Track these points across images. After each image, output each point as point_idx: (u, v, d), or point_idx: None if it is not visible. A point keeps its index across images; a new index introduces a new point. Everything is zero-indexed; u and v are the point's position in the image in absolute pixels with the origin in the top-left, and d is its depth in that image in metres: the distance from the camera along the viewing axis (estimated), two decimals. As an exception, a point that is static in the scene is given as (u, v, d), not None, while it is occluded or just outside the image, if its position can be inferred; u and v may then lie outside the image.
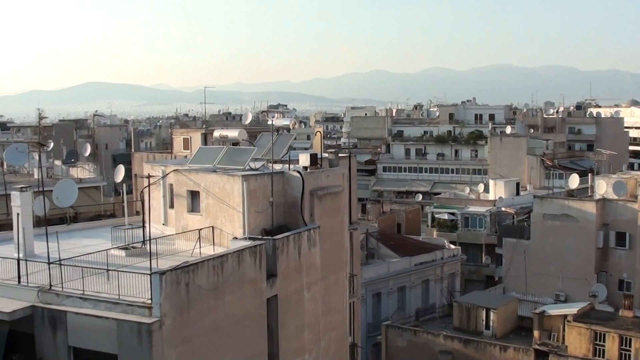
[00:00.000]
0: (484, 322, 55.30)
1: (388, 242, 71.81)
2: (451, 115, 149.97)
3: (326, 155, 37.53)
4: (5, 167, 55.60)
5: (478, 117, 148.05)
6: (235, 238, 29.40)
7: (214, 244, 30.63)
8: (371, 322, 64.01)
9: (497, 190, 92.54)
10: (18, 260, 26.79)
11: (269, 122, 39.06)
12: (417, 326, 58.35)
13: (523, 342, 52.56)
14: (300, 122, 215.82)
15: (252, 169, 32.46)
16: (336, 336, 34.58)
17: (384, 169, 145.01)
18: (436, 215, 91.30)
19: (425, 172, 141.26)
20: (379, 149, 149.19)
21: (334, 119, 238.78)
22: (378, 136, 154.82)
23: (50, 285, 25.32)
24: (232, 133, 37.08)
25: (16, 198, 30.56)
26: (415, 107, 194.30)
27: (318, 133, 42.12)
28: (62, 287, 25.09)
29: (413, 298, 68.82)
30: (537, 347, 50.72)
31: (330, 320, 33.60)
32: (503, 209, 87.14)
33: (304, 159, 33.97)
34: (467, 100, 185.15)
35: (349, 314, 40.06)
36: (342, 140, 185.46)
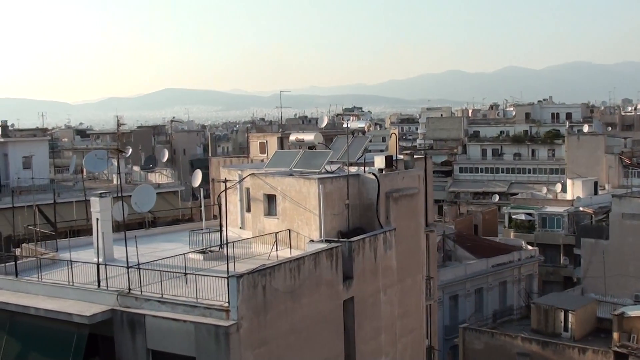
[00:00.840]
0: (563, 324, 54.38)
1: (465, 244, 71.19)
2: (527, 115, 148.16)
3: (402, 157, 37.36)
4: (84, 173, 56.70)
5: (555, 116, 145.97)
6: (312, 241, 29.41)
7: (290, 247, 30.69)
8: (448, 325, 63.48)
9: (574, 189, 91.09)
10: (98, 264, 27.24)
11: (345, 125, 38.95)
12: (495, 328, 57.70)
13: (602, 344, 51.48)
14: (376, 124, 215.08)
15: (328, 172, 32.47)
16: (413, 339, 34.34)
17: (460, 170, 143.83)
18: (513, 216, 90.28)
19: (502, 172, 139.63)
20: (455, 150, 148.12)
21: (409, 120, 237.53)
22: (454, 137, 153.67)
23: (129, 289, 25.66)
24: (308, 136, 37.11)
25: (96, 204, 31.09)
26: (491, 106, 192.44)
27: (393, 135, 41.96)
28: (141, 291, 25.38)
29: (490, 300, 68.06)
30: (616, 349, 49.63)
31: (406, 323, 33.38)
32: (581, 208, 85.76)
33: (380, 161, 33.84)
34: (544, 99, 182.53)
35: (426, 316, 39.76)
36: (418, 141, 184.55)
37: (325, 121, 64.49)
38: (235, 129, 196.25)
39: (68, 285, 27.42)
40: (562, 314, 54.48)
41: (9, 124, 69.19)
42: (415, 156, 40.85)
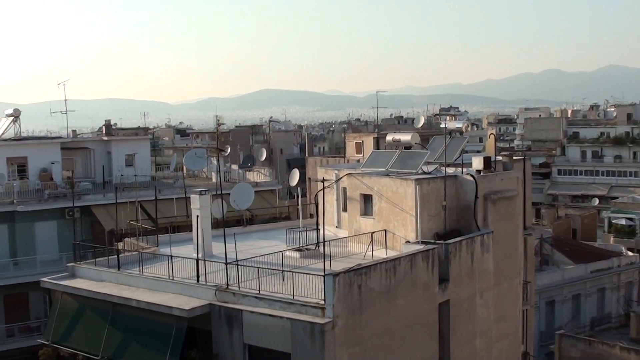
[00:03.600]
0: (664, 334, 52.92)
1: (563, 248, 69.89)
2: (629, 116, 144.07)
3: (500, 158, 36.94)
4: (185, 171, 57.77)
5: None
6: (408, 242, 29.41)
7: (386, 248, 30.75)
8: (544, 331, 62.41)
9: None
10: (197, 260, 27.84)
11: (442, 125, 38.78)
12: (592, 336, 56.40)
13: None
14: (473, 124, 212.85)
15: (424, 173, 32.39)
16: (508, 344, 33.94)
17: (559, 172, 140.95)
18: (613, 221, 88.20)
19: (602, 175, 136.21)
20: (553, 152, 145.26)
21: (507, 120, 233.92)
22: (553, 138, 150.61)
23: (228, 285, 26.15)
24: (405, 136, 37.10)
25: (196, 201, 31.74)
26: (592, 107, 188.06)
27: (491, 135, 41.47)
28: (239, 287, 25.85)
29: (588, 307, 66.61)
30: None
31: (502, 328, 33.01)
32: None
33: (477, 162, 33.56)
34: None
35: (522, 321, 39.22)
36: (516, 142, 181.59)
37: (422, 121, 64.21)
38: (331, 129, 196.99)
39: (168, 279, 28.14)
40: (663, 323, 53.06)
41: (112, 123, 70.83)
42: (513, 157, 40.33)
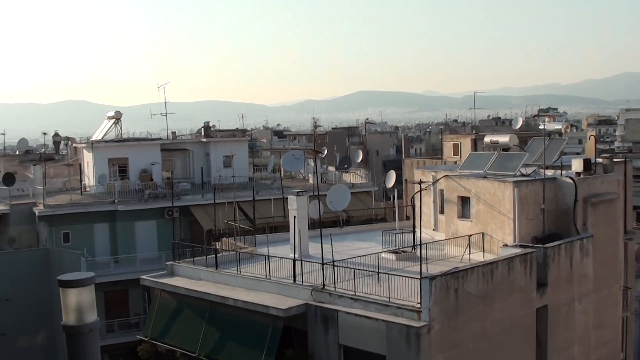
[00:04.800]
0: None
1: (666, 254, 67.87)
2: None
3: (600, 160, 36.13)
4: (282, 172, 58.26)
5: None
6: (506, 245, 29.03)
7: (483, 251, 30.43)
8: (646, 338, 60.74)
9: None
10: (294, 260, 28.08)
11: (540, 127, 38.16)
12: (698, 345, 54.72)
13: None
14: (572, 125, 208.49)
15: (523, 175, 31.94)
16: (607, 352, 33.15)
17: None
18: None
19: None
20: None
21: (607, 121, 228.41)
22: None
23: (324, 285, 26.26)
24: (503, 138, 36.65)
25: (293, 201, 32.01)
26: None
27: (591, 137, 40.64)
28: (335, 287, 25.94)
29: (692, 314, 64.53)
30: None
31: (601, 335, 32.28)
32: None
33: (577, 165, 32.91)
34: None
35: (622, 329, 38.26)
36: (616, 144, 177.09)
37: (520, 122, 63.22)
38: (428, 130, 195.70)
39: (265, 279, 28.45)
40: None
41: (211, 125, 71.86)
42: (614, 160, 39.41)
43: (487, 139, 37.87)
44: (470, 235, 30.56)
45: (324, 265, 26.68)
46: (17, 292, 47.59)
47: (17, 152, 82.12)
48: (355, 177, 61.46)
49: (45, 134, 71.99)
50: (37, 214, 50.71)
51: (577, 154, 60.97)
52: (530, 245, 28.65)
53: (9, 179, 56.21)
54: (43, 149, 75.76)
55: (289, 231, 32.83)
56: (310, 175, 58.11)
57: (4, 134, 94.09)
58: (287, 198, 33.43)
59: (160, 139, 69.10)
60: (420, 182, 33.95)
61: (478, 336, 24.88)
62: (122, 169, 56.84)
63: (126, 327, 50.05)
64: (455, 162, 53.23)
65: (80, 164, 60.62)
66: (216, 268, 31.10)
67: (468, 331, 24.40)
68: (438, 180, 34.16)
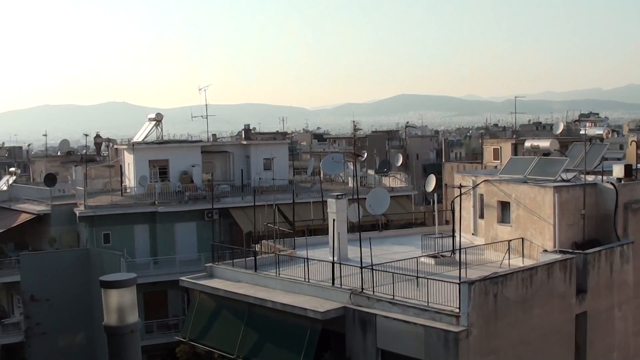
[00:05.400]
0: None
1: None
2: None
3: (642, 166, 35.78)
4: (322, 175, 58.37)
5: None
6: (545, 251, 28.85)
7: (523, 256, 30.25)
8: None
9: None
10: (332, 263, 28.12)
11: (581, 132, 37.89)
12: None
13: None
14: (613, 131, 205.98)
15: (563, 180, 31.72)
16: (648, 359, 32.79)
17: None
18: None
19: None
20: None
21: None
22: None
23: (362, 289, 26.27)
24: (544, 143, 36.44)
25: (332, 205, 32.07)
26: None
27: (633, 143, 40.22)
28: (373, 291, 25.94)
29: None
30: None
31: (642, 342, 31.95)
32: None
33: (618, 170, 32.66)
34: None
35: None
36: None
37: (561, 127, 62.95)
38: (468, 134, 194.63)
39: (304, 282, 28.54)
40: None
41: (251, 127, 72.14)
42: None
43: (527, 144, 37.68)
44: (510, 241, 30.42)
45: (363, 269, 26.71)
46: (58, 292, 48.12)
47: (58, 153, 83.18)
48: (395, 181, 61.38)
49: (86, 135, 72.69)
50: (77, 214, 51.28)
51: (618, 159, 60.35)
52: (570, 251, 28.46)
53: (51, 179, 56.92)
54: (84, 150, 76.68)
55: (328, 234, 32.89)
56: (349, 178, 58.06)
57: (46, 135, 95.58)
58: (326, 201, 33.49)
59: (200, 141, 69.56)
60: (460, 187, 33.81)
61: (517, 342, 24.76)
62: (162, 171, 57.29)
63: (165, 328, 50.40)
64: (496, 167, 53.07)
65: (121, 166, 61.19)
66: (255, 270, 31.25)
67: (507, 337, 24.29)
68: (478, 184, 34.01)
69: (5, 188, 67.01)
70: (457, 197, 33.47)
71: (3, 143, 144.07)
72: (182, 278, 33.51)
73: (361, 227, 33.22)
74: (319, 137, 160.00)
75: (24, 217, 54.51)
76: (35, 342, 48.35)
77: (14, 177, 71.82)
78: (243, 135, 67.73)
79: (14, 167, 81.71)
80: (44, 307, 47.99)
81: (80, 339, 49.28)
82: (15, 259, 52.49)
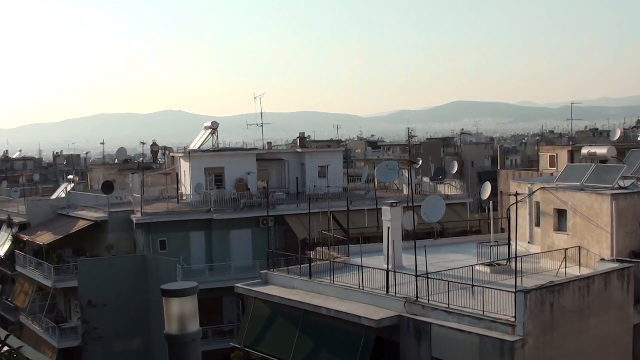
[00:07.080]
0: None
1: None
2: None
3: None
4: (376, 183, 58.32)
5: None
6: (603, 259, 28.51)
7: (579, 265, 29.93)
8: None
9: None
10: (387, 271, 28.11)
11: (639, 138, 37.38)
12: None
13: None
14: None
15: (621, 188, 31.32)
16: None
17: None
18: None
19: None
20: None
21: None
22: None
23: (417, 297, 26.23)
24: (600, 150, 36.06)
25: (387, 212, 32.05)
26: None
27: (693, 150, 39.55)
28: (428, 299, 25.88)
29: None
30: None
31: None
32: None
33: (678, 178, 32.13)
34: None
35: None
36: None
37: (618, 134, 62.20)
38: (523, 141, 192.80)
39: (358, 289, 28.57)
40: None
41: (306, 135, 72.36)
42: None
43: (584, 151, 37.31)
44: (567, 249, 30.11)
45: (418, 277, 26.66)
46: (114, 298, 48.66)
47: (116, 161, 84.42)
48: (450, 188, 61.03)
49: (143, 143, 73.52)
50: (134, 221, 51.95)
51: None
52: (628, 259, 28.07)
53: (108, 187, 57.68)
54: (141, 158, 77.62)
55: (382, 242, 32.87)
56: (404, 185, 57.93)
57: (103, 144, 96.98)
58: (380, 209, 33.50)
59: (255, 148, 70.02)
60: (516, 194, 33.59)
61: (573, 352, 24.49)
62: (218, 178, 57.75)
63: (220, 334, 50.71)
64: (552, 174, 52.51)
65: (177, 173, 61.84)
66: (310, 277, 31.36)
67: (563, 347, 24.04)
68: (534, 192, 33.74)
69: (63, 195, 68.22)
70: (512, 204, 33.24)
71: (61, 151, 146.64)
72: (237, 284, 33.76)
73: (416, 235, 33.15)
74: (373, 145, 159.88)
75: (82, 224, 55.37)
76: (92, 347, 48.96)
77: (72, 185, 73.10)
78: (298, 143, 67.93)
79: (72, 174, 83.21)
80: (100, 312, 48.57)
81: (136, 344, 49.76)
82: (73, 264, 53.24)
